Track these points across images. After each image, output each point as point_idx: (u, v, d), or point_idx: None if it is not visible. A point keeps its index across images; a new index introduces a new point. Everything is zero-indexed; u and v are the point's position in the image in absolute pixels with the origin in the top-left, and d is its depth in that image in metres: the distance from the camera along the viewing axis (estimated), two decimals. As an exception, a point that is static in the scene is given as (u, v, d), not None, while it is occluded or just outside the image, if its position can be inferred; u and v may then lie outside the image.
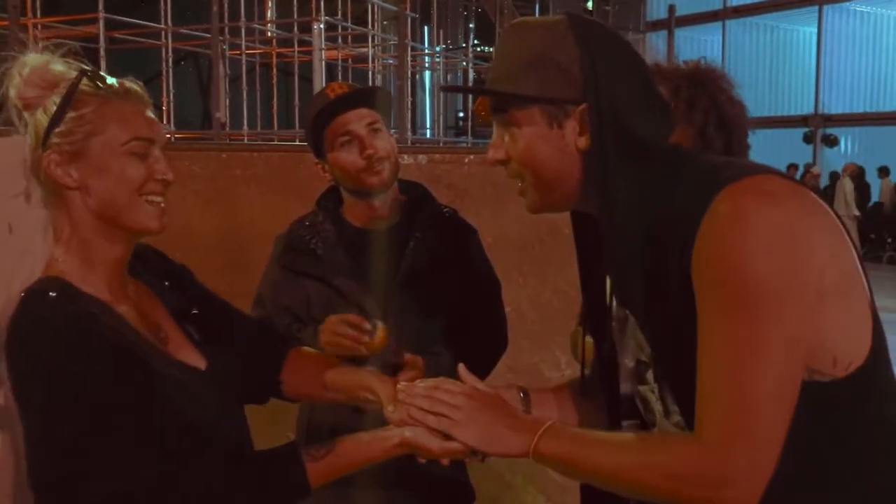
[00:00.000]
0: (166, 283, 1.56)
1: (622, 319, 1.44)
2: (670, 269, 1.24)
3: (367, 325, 1.86)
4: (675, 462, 1.22)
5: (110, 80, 1.42)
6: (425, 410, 1.41)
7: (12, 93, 1.39)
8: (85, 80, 1.39)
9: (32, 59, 1.39)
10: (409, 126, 10.65)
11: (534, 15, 17.48)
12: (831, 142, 15.71)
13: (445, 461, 1.43)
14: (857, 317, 1.25)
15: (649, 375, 1.42)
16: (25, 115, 1.39)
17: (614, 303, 1.45)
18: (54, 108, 1.37)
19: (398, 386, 1.48)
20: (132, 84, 1.44)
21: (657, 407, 1.42)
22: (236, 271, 3.60)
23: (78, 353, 1.29)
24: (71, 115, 1.37)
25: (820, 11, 15.45)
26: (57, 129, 1.37)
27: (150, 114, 1.44)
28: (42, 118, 1.38)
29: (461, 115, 19.04)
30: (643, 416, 1.45)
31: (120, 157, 1.38)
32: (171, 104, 11.24)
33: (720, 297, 1.18)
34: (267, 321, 2.07)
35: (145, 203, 1.40)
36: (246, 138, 11.36)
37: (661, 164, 1.29)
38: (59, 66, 1.40)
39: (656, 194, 1.27)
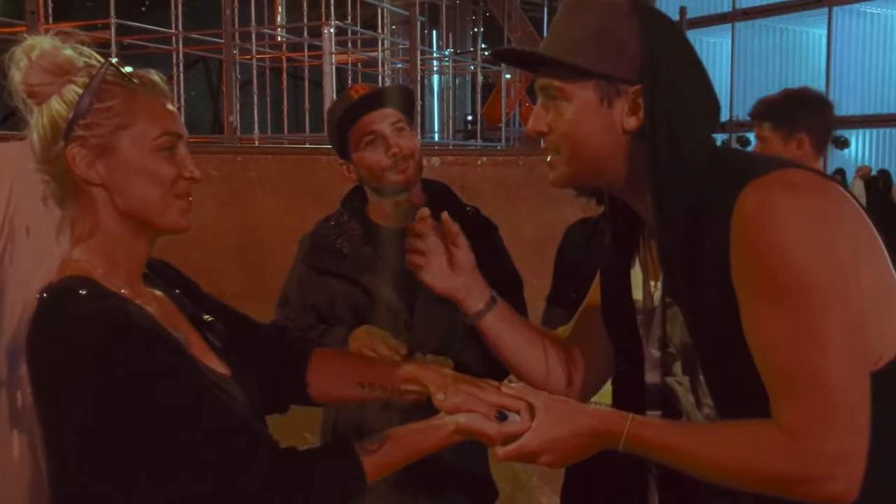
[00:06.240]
0: (177, 291, 1.48)
1: (649, 311, 1.43)
2: (709, 264, 1.23)
3: (403, 351, 1.88)
4: (773, 468, 1.20)
5: (128, 70, 1.33)
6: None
7: (17, 77, 1.27)
8: (110, 70, 1.29)
9: (42, 41, 1.28)
10: (419, 129, 10.65)
11: (542, 18, 17.52)
12: (842, 143, 15.65)
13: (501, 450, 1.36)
14: (889, 309, 1.24)
15: (676, 367, 1.41)
16: (30, 104, 1.28)
17: (642, 294, 1.44)
18: (75, 97, 1.26)
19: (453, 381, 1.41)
20: (154, 75, 1.35)
21: (688, 398, 1.40)
22: (253, 273, 3.61)
23: (125, 351, 1.20)
24: (97, 105, 1.27)
25: (830, 13, 15.42)
26: (82, 121, 1.26)
27: (172, 107, 1.35)
28: (61, 108, 1.27)
29: (470, 118, 19.05)
30: (667, 407, 1.44)
31: (151, 154, 1.30)
32: (183, 109, 11.24)
33: (770, 292, 1.17)
34: (284, 326, 2.06)
35: (176, 201, 1.33)
36: (257, 142, 11.39)
37: (704, 155, 1.29)
38: (69, 52, 1.29)
39: (699, 186, 1.26)
